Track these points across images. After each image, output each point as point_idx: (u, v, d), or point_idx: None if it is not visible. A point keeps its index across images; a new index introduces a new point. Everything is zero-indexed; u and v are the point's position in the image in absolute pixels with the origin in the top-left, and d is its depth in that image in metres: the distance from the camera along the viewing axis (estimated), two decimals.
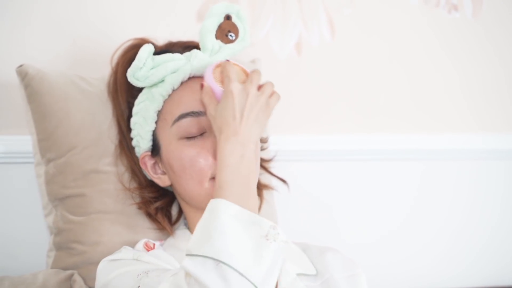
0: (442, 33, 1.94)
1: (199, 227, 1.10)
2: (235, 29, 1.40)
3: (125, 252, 1.27)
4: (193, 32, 1.53)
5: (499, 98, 1.98)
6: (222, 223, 1.08)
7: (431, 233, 1.93)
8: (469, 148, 1.95)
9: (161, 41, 1.49)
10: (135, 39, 1.48)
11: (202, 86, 1.26)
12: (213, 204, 1.11)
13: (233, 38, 1.40)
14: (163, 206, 1.42)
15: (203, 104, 1.28)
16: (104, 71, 1.54)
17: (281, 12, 1.82)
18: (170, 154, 1.33)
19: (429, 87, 1.94)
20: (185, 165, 1.30)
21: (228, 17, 1.40)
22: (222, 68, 1.26)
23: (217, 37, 1.39)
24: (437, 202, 1.94)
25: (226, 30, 1.40)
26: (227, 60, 1.29)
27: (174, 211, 1.45)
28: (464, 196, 1.96)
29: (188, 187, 1.31)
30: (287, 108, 1.82)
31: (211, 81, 1.25)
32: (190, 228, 1.38)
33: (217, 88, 1.25)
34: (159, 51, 1.41)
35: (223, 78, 1.23)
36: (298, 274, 1.34)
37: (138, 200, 1.42)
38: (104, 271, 1.25)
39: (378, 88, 1.90)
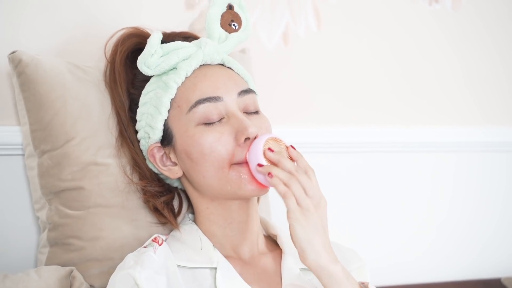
0: (424, 25, 1.96)
1: None
2: (238, 19, 1.40)
3: (126, 280, 1.21)
4: (181, 20, 1.51)
5: (481, 90, 2.02)
6: None
7: (440, 225, 1.96)
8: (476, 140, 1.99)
9: (154, 31, 1.43)
10: (129, 28, 1.42)
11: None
12: None
13: (236, 27, 1.40)
14: (168, 200, 1.38)
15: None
16: (93, 60, 1.48)
17: (269, 2, 1.80)
18: (187, 141, 1.28)
19: (418, 78, 1.95)
20: (205, 151, 1.26)
21: (230, 7, 1.40)
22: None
23: (220, 26, 1.38)
24: (447, 194, 1.98)
25: (229, 20, 1.39)
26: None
27: (174, 205, 1.40)
28: (473, 188, 2.00)
29: (207, 174, 1.27)
30: (274, 98, 1.79)
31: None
32: (197, 222, 1.34)
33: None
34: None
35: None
36: (302, 269, 1.33)
37: (140, 194, 1.38)
38: None
39: (362, 79, 1.89)
